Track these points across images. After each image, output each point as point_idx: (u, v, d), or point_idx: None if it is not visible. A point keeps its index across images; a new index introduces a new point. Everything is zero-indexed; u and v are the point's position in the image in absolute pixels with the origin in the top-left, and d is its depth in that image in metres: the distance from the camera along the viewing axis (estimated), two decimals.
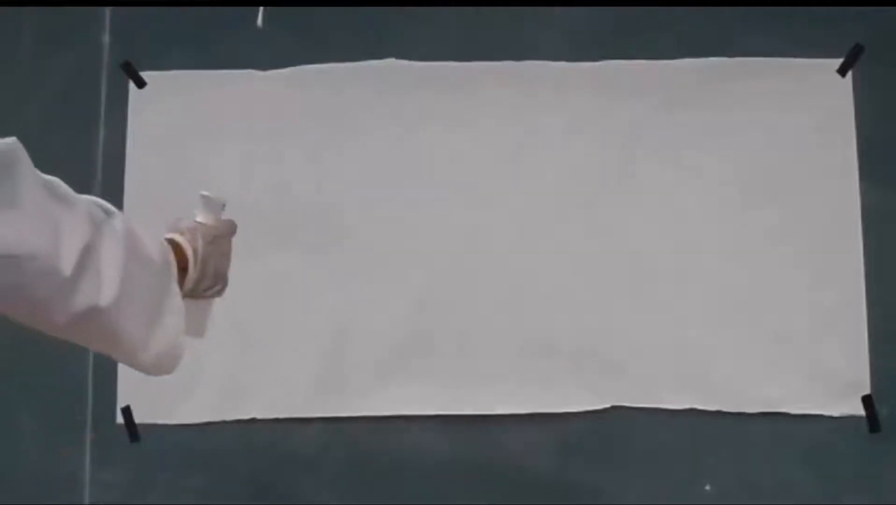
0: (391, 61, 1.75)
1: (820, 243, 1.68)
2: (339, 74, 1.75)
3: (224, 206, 1.26)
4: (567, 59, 1.73)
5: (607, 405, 1.68)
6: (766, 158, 1.70)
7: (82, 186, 1.71)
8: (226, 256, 1.23)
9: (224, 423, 1.72)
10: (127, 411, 1.73)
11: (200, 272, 1.16)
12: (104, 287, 0.97)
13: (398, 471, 1.70)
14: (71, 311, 0.95)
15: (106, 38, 1.79)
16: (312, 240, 1.74)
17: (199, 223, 1.21)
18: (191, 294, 1.16)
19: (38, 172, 0.95)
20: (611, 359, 1.68)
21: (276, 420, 1.71)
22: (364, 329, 1.71)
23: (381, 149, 1.74)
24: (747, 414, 1.66)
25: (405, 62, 1.75)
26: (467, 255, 1.71)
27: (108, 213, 1.02)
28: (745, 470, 1.66)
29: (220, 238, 1.22)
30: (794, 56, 1.70)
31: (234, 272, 1.72)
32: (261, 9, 1.76)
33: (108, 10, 1.79)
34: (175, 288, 1.09)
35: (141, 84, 1.77)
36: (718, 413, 1.67)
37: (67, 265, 0.93)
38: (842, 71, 1.70)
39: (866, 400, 1.65)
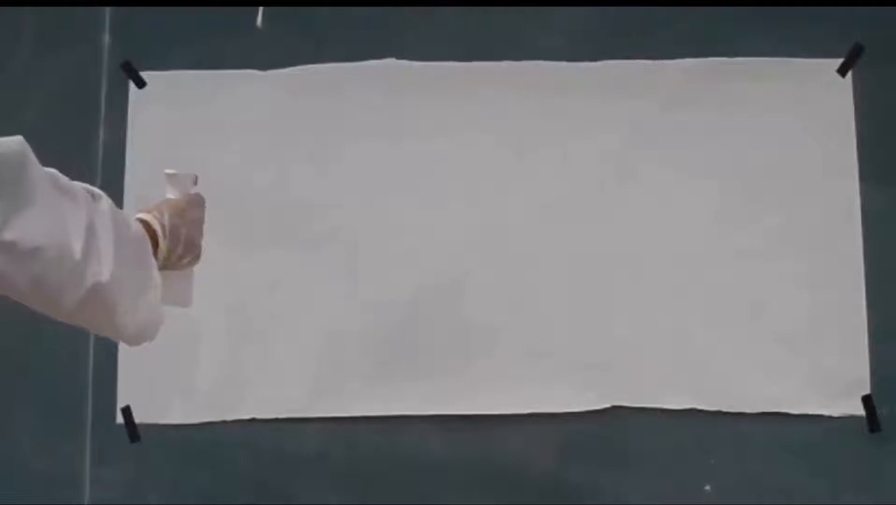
0: (391, 61, 1.75)
1: (820, 243, 1.68)
2: (339, 74, 1.75)
3: (196, 179, 1.37)
4: (567, 59, 1.73)
5: (607, 405, 1.68)
6: (765, 158, 1.70)
7: None
8: (195, 226, 1.33)
9: (224, 423, 1.72)
10: (127, 411, 1.73)
11: (171, 242, 1.25)
12: (104, 264, 1.07)
13: (398, 471, 1.70)
14: (80, 291, 1.05)
15: (106, 38, 1.79)
16: (312, 239, 1.74)
17: (166, 199, 1.33)
18: (167, 265, 1.26)
19: (42, 168, 1.04)
20: (611, 359, 1.68)
21: (276, 420, 1.72)
22: (364, 329, 1.71)
23: (381, 149, 1.74)
24: (747, 414, 1.66)
25: (405, 62, 1.75)
26: (467, 254, 1.71)
27: (95, 196, 1.11)
28: (745, 470, 1.66)
29: (188, 210, 1.32)
30: (794, 56, 1.70)
31: (235, 272, 1.73)
32: (261, 9, 1.76)
33: (108, 10, 1.79)
34: (152, 261, 1.19)
35: (141, 84, 1.77)
36: (718, 413, 1.67)
37: (77, 250, 1.04)
38: (842, 71, 1.70)
39: (866, 400, 1.65)
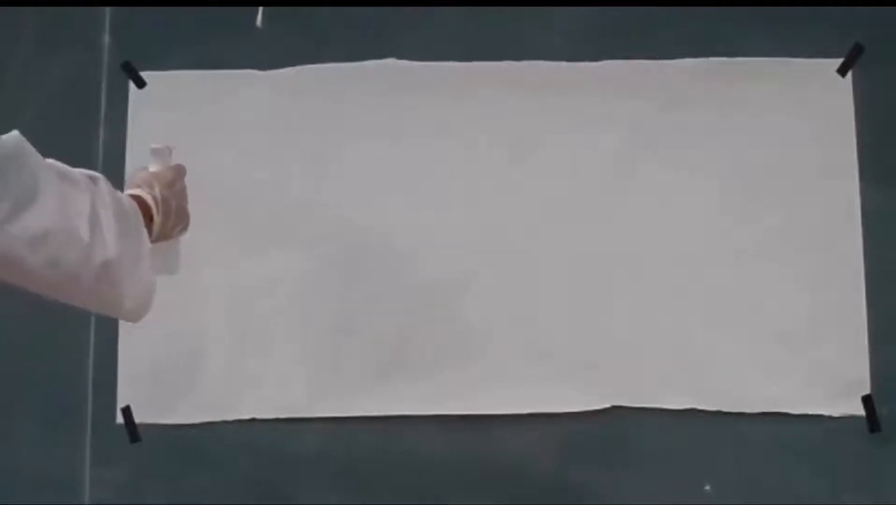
0: (391, 61, 1.75)
1: (820, 243, 1.68)
2: (339, 74, 1.75)
3: (171, 151, 1.44)
4: (567, 59, 1.73)
5: (607, 405, 1.68)
6: (765, 158, 1.70)
7: None
8: (182, 195, 1.40)
9: (224, 423, 1.72)
10: (127, 411, 1.73)
11: (164, 215, 1.31)
12: (109, 242, 1.13)
13: (398, 471, 1.70)
14: (93, 270, 1.12)
15: (106, 38, 1.79)
16: (312, 240, 1.74)
17: (153, 172, 1.38)
18: (160, 236, 1.32)
19: (41, 157, 1.12)
20: (611, 359, 1.68)
21: (276, 420, 1.71)
22: (364, 329, 1.71)
23: (381, 149, 1.74)
24: (747, 414, 1.66)
25: (405, 62, 1.75)
26: (467, 254, 1.71)
27: (93, 179, 1.18)
28: (745, 470, 1.66)
29: (175, 181, 1.39)
30: (794, 56, 1.70)
31: (235, 272, 1.73)
32: (261, 9, 1.76)
33: (108, 10, 1.79)
34: (144, 234, 1.24)
35: (141, 84, 1.77)
36: (718, 413, 1.67)
37: (85, 232, 1.10)
38: (842, 71, 1.70)
39: (866, 400, 1.65)
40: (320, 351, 1.72)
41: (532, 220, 1.71)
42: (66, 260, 1.09)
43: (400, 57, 1.75)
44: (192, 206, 1.71)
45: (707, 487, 1.66)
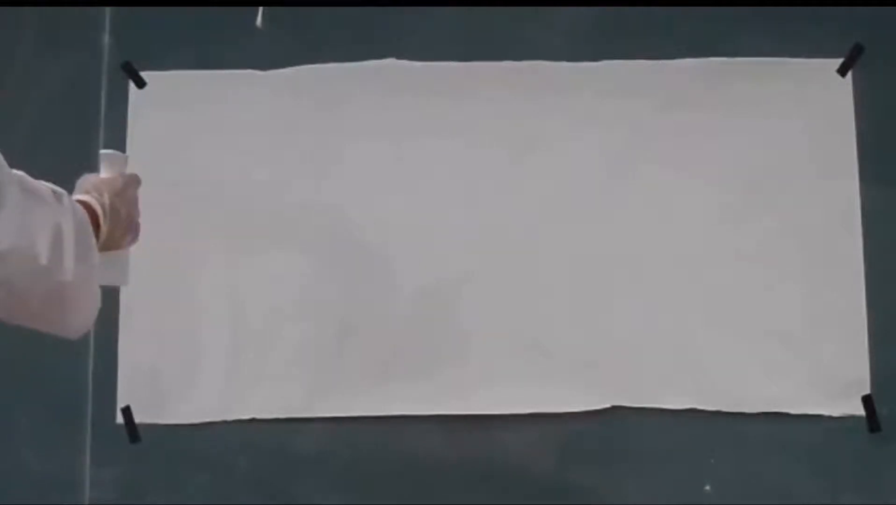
0: (391, 61, 1.75)
1: (820, 243, 1.68)
2: (339, 74, 1.75)
3: (126, 159, 1.39)
4: (567, 59, 1.73)
5: (607, 405, 1.68)
6: (765, 158, 1.70)
7: None
8: (132, 204, 1.34)
9: (224, 423, 1.72)
10: (127, 411, 1.73)
11: (112, 223, 1.26)
12: (66, 265, 1.08)
13: (398, 471, 1.70)
14: (44, 295, 1.06)
15: (106, 38, 1.79)
16: (312, 240, 1.74)
17: (104, 179, 1.33)
18: (106, 245, 1.27)
19: (10, 169, 1.04)
20: (611, 359, 1.68)
21: (276, 420, 1.71)
22: (364, 329, 1.71)
23: (381, 149, 1.74)
24: (747, 414, 1.66)
25: (405, 62, 1.75)
26: (467, 255, 1.71)
27: (58, 195, 1.12)
28: (745, 470, 1.66)
29: (126, 189, 1.33)
30: (794, 56, 1.70)
31: (235, 272, 1.73)
32: (261, 9, 1.76)
33: (108, 11, 1.79)
34: (93, 242, 1.18)
35: (141, 84, 1.77)
36: (718, 413, 1.67)
37: (44, 254, 1.04)
38: (842, 71, 1.70)
39: (866, 400, 1.65)
40: (320, 351, 1.72)
41: (532, 220, 1.71)
42: (18, 281, 1.03)
43: (400, 57, 1.75)
44: (193, 206, 1.72)
45: (707, 487, 1.66)
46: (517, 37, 1.74)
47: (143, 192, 1.58)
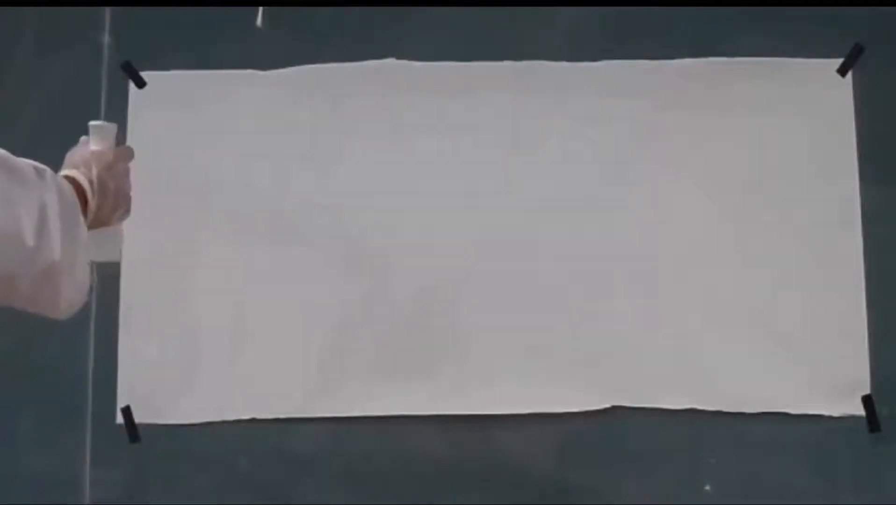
0: (391, 61, 1.75)
1: (820, 243, 1.68)
2: (339, 74, 1.75)
3: (116, 129, 1.32)
4: (567, 59, 1.73)
5: (607, 405, 1.68)
6: (765, 158, 1.70)
7: None
8: (122, 178, 1.28)
9: (224, 423, 1.72)
10: (127, 411, 1.73)
11: (100, 198, 1.21)
12: (54, 245, 1.05)
13: (398, 471, 1.70)
14: (33, 275, 1.04)
15: (106, 38, 1.79)
16: (312, 239, 1.74)
17: (93, 152, 1.26)
18: (97, 221, 1.22)
19: None
20: (611, 359, 1.68)
21: (276, 420, 1.71)
22: (364, 329, 1.71)
23: (381, 149, 1.74)
24: (747, 414, 1.66)
25: (405, 62, 1.75)
26: (467, 254, 1.71)
27: (40, 172, 1.08)
28: (745, 470, 1.66)
29: (116, 163, 1.26)
30: (794, 56, 1.70)
31: (235, 272, 1.73)
32: (261, 9, 1.76)
33: (108, 11, 1.79)
34: (81, 219, 1.14)
35: (141, 84, 1.77)
36: (718, 413, 1.67)
37: (30, 237, 1.02)
38: (842, 71, 1.70)
39: (866, 400, 1.65)
40: (320, 351, 1.72)
41: (532, 219, 1.71)
42: (6, 265, 1.01)
43: (400, 57, 1.75)
44: (193, 206, 1.72)
45: (707, 487, 1.66)
46: (517, 37, 1.74)
47: (142, 192, 1.57)
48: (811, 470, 1.65)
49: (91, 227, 1.18)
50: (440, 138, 1.73)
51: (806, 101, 1.70)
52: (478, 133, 1.73)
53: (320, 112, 1.75)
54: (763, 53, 1.70)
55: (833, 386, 1.65)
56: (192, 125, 1.76)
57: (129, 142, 1.75)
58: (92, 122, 1.32)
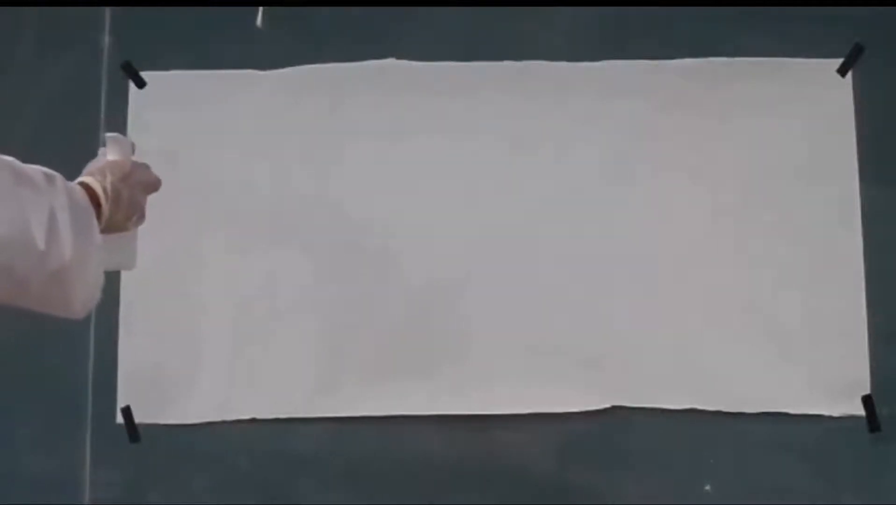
0: (391, 61, 1.75)
1: (820, 243, 1.68)
2: (339, 74, 1.75)
3: (133, 146, 1.35)
4: (567, 59, 1.73)
5: (607, 405, 1.68)
6: (765, 158, 1.70)
7: None
8: (138, 189, 1.31)
9: (224, 423, 1.72)
10: (127, 411, 1.73)
11: (113, 205, 1.24)
12: (64, 247, 1.08)
13: (398, 471, 1.70)
14: (44, 278, 1.06)
15: (106, 39, 1.79)
16: (312, 239, 1.74)
17: (109, 161, 1.30)
18: (110, 227, 1.25)
19: (1, 156, 1.04)
20: (611, 359, 1.68)
21: (276, 420, 1.71)
22: (364, 329, 1.71)
23: (381, 148, 1.74)
24: (747, 414, 1.66)
25: (405, 62, 1.75)
26: (467, 254, 1.71)
27: (50, 178, 1.11)
28: (745, 470, 1.66)
29: (133, 173, 1.30)
30: (794, 56, 1.70)
31: (235, 272, 1.73)
32: (260, 9, 1.76)
33: (108, 11, 1.79)
34: (94, 223, 1.17)
35: (141, 84, 1.77)
36: (718, 413, 1.67)
37: (40, 240, 1.05)
38: (842, 71, 1.70)
39: (866, 400, 1.65)
40: (320, 351, 1.72)
41: (532, 219, 1.71)
42: (18, 268, 1.04)
43: (400, 57, 1.75)
44: (193, 206, 1.72)
45: (707, 487, 1.66)
46: (517, 37, 1.74)
47: None
48: (811, 470, 1.65)
49: (105, 232, 1.21)
50: (440, 138, 1.73)
51: (806, 102, 1.70)
52: (478, 133, 1.73)
53: (320, 112, 1.75)
54: (763, 53, 1.70)
55: (833, 386, 1.65)
56: (192, 125, 1.76)
57: None
58: (108, 134, 1.36)
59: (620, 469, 1.68)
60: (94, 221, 1.17)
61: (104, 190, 1.23)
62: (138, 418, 1.73)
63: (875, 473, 1.65)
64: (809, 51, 1.70)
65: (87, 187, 1.22)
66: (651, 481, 1.67)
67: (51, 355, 1.72)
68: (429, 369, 1.70)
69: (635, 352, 1.68)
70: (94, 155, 1.78)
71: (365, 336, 1.71)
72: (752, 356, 1.67)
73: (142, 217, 1.33)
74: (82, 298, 1.16)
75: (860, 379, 1.65)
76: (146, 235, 1.44)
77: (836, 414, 1.65)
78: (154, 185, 1.35)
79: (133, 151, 1.36)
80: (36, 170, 1.10)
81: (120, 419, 1.73)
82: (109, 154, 1.33)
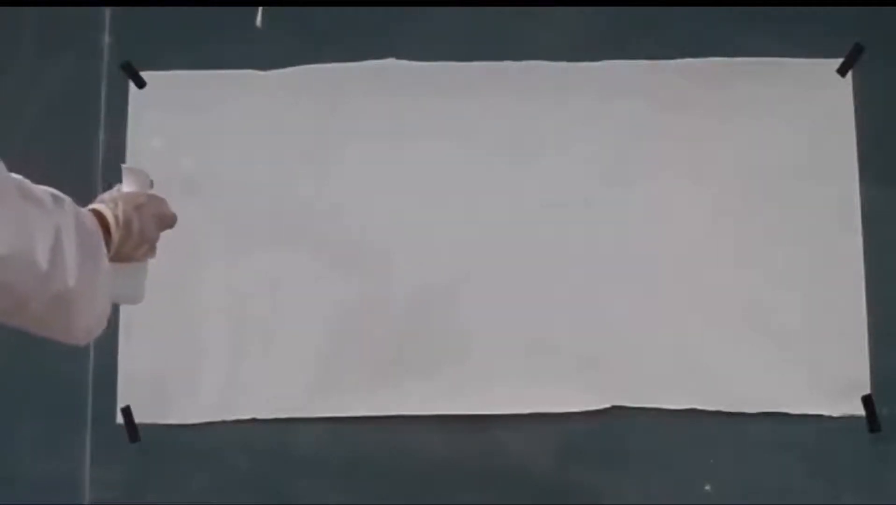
0: (391, 61, 1.75)
1: (820, 243, 1.68)
2: (339, 74, 1.75)
3: (151, 181, 1.35)
4: (567, 59, 1.73)
5: (607, 405, 1.68)
6: (765, 158, 1.70)
7: (83, 187, 1.72)
8: (149, 222, 1.29)
9: (224, 423, 1.72)
10: (127, 411, 1.73)
11: (124, 233, 1.23)
12: (69, 271, 1.06)
13: (398, 471, 1.70)
14: (45, 298, 1.04)
15: (106, 39, 1.79)
16: (312, 239, 1.74)
17: (123, 192, 1.30)
18: (119, 256, 1.24)
19: (8, 173, 1.02)
20: (611, 359, 1.68)
21: (276, 420, 1.72)
22: (364, 329, 1.71)
23: (381, 148, 1.74)
24: (747, 414, 1.66)
25: (405, 62, 1.75)
26: (466, 254, 1.71)
27: (58, 200, 1.09)
28: (745, 470, 1.66)
29: (146, 205, 1.29)
30: (794, 56, 1.70)
31: (235, 272, 1.73)
32: (260, 9, 1.76)
33: (108, 11, 1.79)
34: (103, 249, 1.16)
35: (141, 84, 1.77)
36: (718, 413, 1.67)
37: (43, 260, 1.02)
38: (842, 71, 1.70)
39: (866, 400, 1.65)
40: (320, 351, 1.72)
41: (532, 220, 1.71)
42: (18, 286, 1.01)
43: (400, 57, 1.75)
44: (193, 206, 1.72)
45: (707, 487, 1.66)
46: (517, 37, 1.74)
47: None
48: (811, 470, 1.65)
49: (113, 261, 1.20)
50: (440, 138, 1.73)
51: (806, 101, 1.70)
52: (478, 133, 1.73)
53: (320, 112, 1.75)
54: (763, 53, 1.70)
55: (833, 386, 1.65)
56: (192, 125, 1.76)
57: (130, 141, 1.76)
58: (124, 165, 1.36)
59: (620, 469, 1.68)
60: (103, 247, 1.16)
61: (115, 217, 1.22)
62: (138, 418, 1.73)
63: (875, 473, 1.65)
64: (809, 51, 1.70)
65: (97, 213, 1.20)
66: (651, 481, 1.67)
67: (51, 355, 1.72)
68: (429, 369, 1.70)
69: (635, 352, 1.68)
70: (93, 154, 1.79)
71: (365, 336, 1.71)
72: (752, 356, 1.67)
73: (152, 250, 1.32)
74: (85, 325, 1.14)
75: (860, 379, 1.65)
76: None
77: (836, 414, 1.65)
78: (169, 219, 1.33)
79: (151, 185, 1.35)
80: (45, 190, 1.08)
81: (120, 419, 1.73)
82: (125, 185, 1.33)
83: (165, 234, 1.35)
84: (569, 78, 1.73)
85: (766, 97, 1.70)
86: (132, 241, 1.25)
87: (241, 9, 1.77)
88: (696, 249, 1.69)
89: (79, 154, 1.76)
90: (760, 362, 1.67)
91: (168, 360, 1.72)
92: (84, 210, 1.17)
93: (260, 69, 1.77)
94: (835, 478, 1.64)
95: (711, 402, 1.67)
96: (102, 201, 1.25)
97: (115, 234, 1.22)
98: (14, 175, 1.04)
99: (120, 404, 1.73)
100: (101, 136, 1.77)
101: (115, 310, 1.72)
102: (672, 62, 1.72)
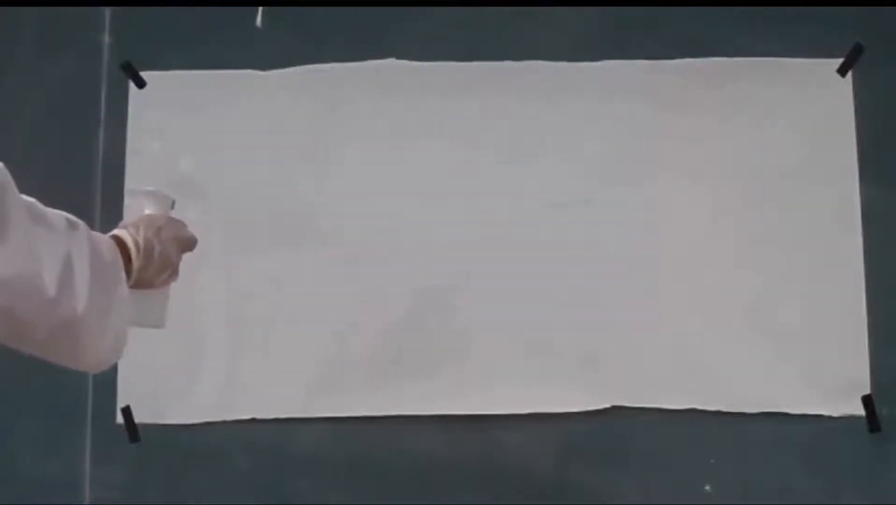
0: (391, 61, 1.75)
1: (820, 243, 1.68)
2: (339, 74, 1.75)
3: (173, 202, 1.33)
4: (567, 59, 1.73)
5: (607, 405, 1.68)
6: (765, 158, 1.70)
7: (82, 187, 1.72)
8: (171, 245, 1.27)
9: (224, 423, 1.72)
10: (127, 411, 1.73)
11: (144, 260, 1.20)
12: (78, 298, 1.03)
13: (398, 471, 1.70)
14: (52, 324, 1.02)
15: (106, 39, 1.79)
16: (312, 240, 1.74)
17: (145, 215, 1.28)
18: (140, 283, 1.21)
19: (20, 196, 0.99)
20: (611, 359, 1.68)
21: (276, 420, 1.72)
22: (364, 329, 1.71)
23: (381, 149, 1.74)
24: (747, 414, 1.66)
25: (405, 62, 1.75)
26: (466, 255, 1.71)
27: (72, 224, 1.07)
28: (745, 470, 1.66)
29: (166, 228, 1.26)
30: (794, 56, 1.70)
31: (235, 272, 1.73)
32: (260, 9, 1.76)
33: (108, 11, 1.79)
34: (123, 285, 1.14)
35: (141, 84, 1.77)
36: (718, 413, 1.67)
37: (51, 286, 1.00)
38: (842, 71, 1.70)
39: (866, 400, 1.65)
40: (320, 351, 1.72)
41: (532, 220, 1.71)
42: (23, 309, 0.99)
43: (400, 57, 1.75)
44: (193, 206, 1.71)
45: (707, 487, 1.66)
46: (517, 37, 1.74)
47: None
48: (811, 470, 1.65)
49: (134, 287, 1.18)
50: (440, 138, 1.73)
51: (806, 102, 1.70)
52: (477, 133, 1.73)
53: (320, 112, 1.75)
54: (763, 53, 1.70)
55: (833, 386, 1.65)
56: (192, 125, 1.76)
57: (130, 141, 1.76)
58: (147, 188, 1.33)
59: (620, 469, 1.68)
60: (122, 275, 1.14)
61: (136, 243, 1.20)
62: (138, 418, 1.73)
63: (875, 473, 1.65)
64: (809, 51, 1.70)
65: (117, 239, 1.18)
66: (651, 481, 1.67)
67: None
68: (429, 369, 1.70)
69: (635, 352, 1.68)
70: (93, 154, 1.79)
71: (365, 336, 1.71)
72: (752, 356, 1.67)
73: (175, 274, 1.29)
74: (96, 354, 1.11)
75: (860, 379, 1.65)
76: None
77: (835, 414, 1.65)
78: (189, 242, 1.31)
79: (173, 205, 1.33)
80: (59, 214, 1.06)
81: (120, 419, 1.73)
82: (147, 208, 1.30)
83: None
84: (569, 78, 1.73)
85: (766, 97, 1.70)
86: (153, 266, 1.23)
87: (241, 9, 1.77)
88: (695, 249, 1.69)
89: (79, 154, 1.76)
90: (760, 362, 1.67)
91: (168, 360, 1.72)
92: (103, 236, 1.14)
93: (260, 69, 1.77)
94: (835, 478, 1.64)
95: (711, 402, 1.67)
96: (124, 226, 1.23)
97: (136, 261, 1.19)
98: (26, 197, 1.01)
99: (120, 404, 1.73)
100: (101, 136, 1.77)
101: None
102: (672, 62, 1.72)
